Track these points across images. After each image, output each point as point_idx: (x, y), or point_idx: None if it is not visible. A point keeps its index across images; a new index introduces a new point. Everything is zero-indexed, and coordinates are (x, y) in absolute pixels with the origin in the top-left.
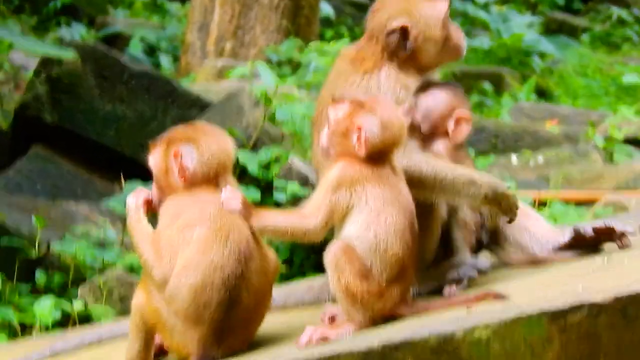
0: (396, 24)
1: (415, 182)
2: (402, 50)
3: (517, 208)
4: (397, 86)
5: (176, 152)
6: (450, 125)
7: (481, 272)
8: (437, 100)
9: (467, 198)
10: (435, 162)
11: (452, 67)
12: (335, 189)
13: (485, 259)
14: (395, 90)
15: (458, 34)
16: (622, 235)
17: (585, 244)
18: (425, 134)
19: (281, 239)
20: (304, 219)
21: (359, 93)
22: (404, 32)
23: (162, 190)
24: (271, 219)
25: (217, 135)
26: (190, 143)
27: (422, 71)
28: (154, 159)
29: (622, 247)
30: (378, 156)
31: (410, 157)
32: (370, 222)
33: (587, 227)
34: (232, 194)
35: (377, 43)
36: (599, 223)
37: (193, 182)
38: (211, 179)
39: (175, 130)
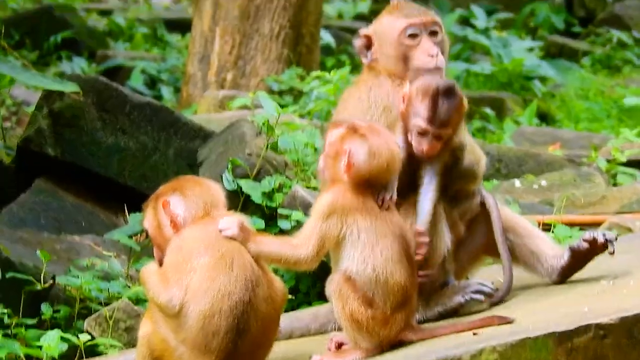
0: (362, 31)
1: None
2: (365, 58)
3: None
4: (379, 95)
5: (164, 202)
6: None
7: (486, 295)
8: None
9: None
10: None
11: None
12: (326, 218)
13: (489, 282)
14: (382, 99)
15: (423, 57)
16: (608, 241)
17: (584, 259)
18: None
19: (274, 265)
20: (296, 249)
21: (361, 118)
22: (367, 40)
23: (161, 247)
24: (266, 245)
25: (198, 181)
26: (176, 192)
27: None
28: (147, 219)
29: (613, 253)
30: (366, 185)
31: None
32: (367, 257)
33: (579, 241)
34: (229, 221)
35: None
36: (586, 234)
37: (185, 227)
38: (205, 216)
39: (160, 188)
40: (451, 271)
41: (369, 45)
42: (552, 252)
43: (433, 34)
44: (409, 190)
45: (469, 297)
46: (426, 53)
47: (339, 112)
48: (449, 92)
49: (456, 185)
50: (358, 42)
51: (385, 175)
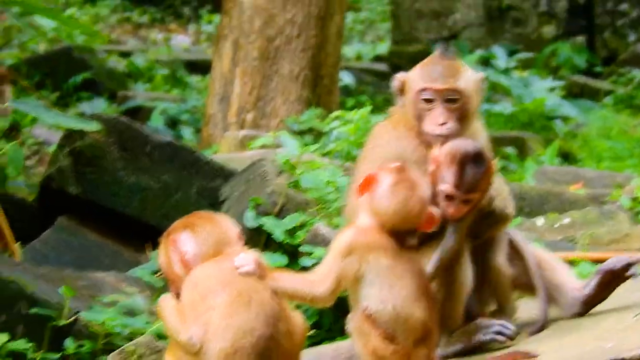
0: (399, 75)
1: None
2: (398, 101)
3: None
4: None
5: (172, 240)
6: None
7: (506, 336)
8: None
9: None
10: None
11: None
12: (345, 255)
13: (510, 323)
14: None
15: (431, 124)
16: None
17: (608, 287)
18: None
19: (292, 301)
20: (313, 286)
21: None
22: (402, 85)
23: (175, 283)
24: (283, 282)
25: (210, 217)
26: (186, 229)
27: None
28: (159, 257)
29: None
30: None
31: None
32: (385, 298)
33: (609, 263)
34: (245, 258)
35: None
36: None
37: (195, 264)
38: (216, 254)
39: (173, 224)
40: (474, 308)
41: (402, 90)
42: (574, 284)
43: (450, 101)
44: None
45: (490, 337)
46: (435, 121)
47: (367, 149)
48: (477, 158)
49: (488, 233)
50: (394, 84)
51: (408, 223)
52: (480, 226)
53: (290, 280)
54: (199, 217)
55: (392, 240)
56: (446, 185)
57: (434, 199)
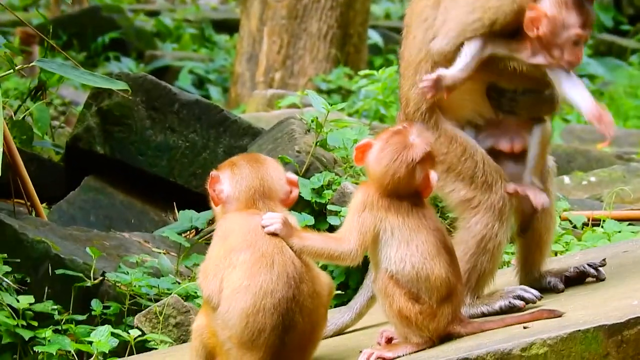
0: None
1: None
2: None
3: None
4: None
5: (213, 177)
6: None
7: (527, 300)
8: None
9: None
10: None
11: None
12: (361, 211)
13: (534, 290)
14: None
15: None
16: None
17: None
18: None
19: (319, 260)
20: (340, 243)
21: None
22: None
23: (215, 215)
24: (310, 240)
25: (258, 162)
26: (228, 167)
27: None
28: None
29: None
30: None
31: None
32: (404, 255)
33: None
34: (271, 216)
35: None
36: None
37: (230, 205)
38: (249, 203)
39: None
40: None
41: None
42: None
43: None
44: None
45: (509, 302)
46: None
47: None
48: None
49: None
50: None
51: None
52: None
53: (317, 240)
54: (247, 158)
55: (400, 199)
56: (574, 28)
57: (550, 55)
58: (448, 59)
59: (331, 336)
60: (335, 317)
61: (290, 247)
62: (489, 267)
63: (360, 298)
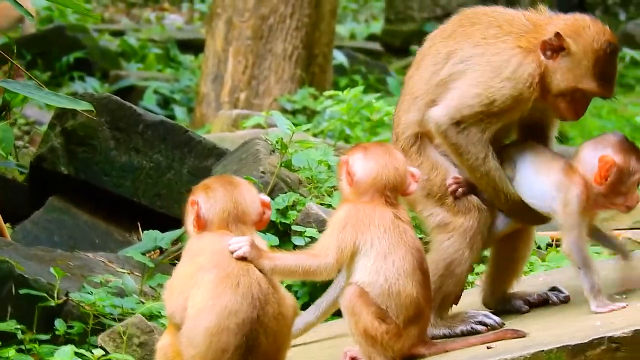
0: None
1: (461, 161)
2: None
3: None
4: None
5: (193, 202)
6: None
7: (488, 326)
8: None
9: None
10: (486, 162)
11: None
12: (342, 228)
13: (496, 317)
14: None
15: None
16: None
17: None
18: None
19: (292, 279)
20: (315, 258)
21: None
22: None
23: (188, 234)
24: (280, 260)
25: (231, 185)
26: (202, 190)
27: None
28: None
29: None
30: (374, 193)
31: (472, 141)
32: (379, 268)
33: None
34: (238, 241)
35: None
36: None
37: (205, 228)
38: (222, 225)
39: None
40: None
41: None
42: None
43: None
44: None
45: (471, 327)
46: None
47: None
48: (628, 140)
49: None
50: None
51: (391, 178)
52: None
53: (288, 258)
54: (221, 181)
55: (385, 212)
56: (637, 173)
57: (610, 201)
58: (444, 135)
59: (297, 336)
60: (301, 316)
61: (261, 269)
62: (454, 291)
63: (327, 297)
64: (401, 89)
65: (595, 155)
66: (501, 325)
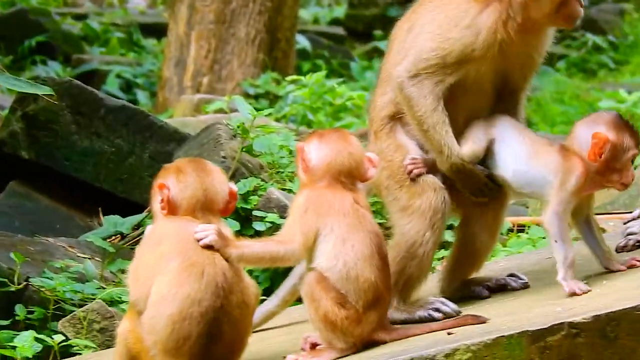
0: None
1: (412, 114)
2: None
3: (485, 190)
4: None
5: (162, 184)
6: None
7: (444, 313)
8: None
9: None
10: (434, 114)
11: None
12: (303, 213)
13: (453, 304)
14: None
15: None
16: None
17: None
18: None
19: (259, 266)
20: (282, 244)
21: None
22: None
23: (154, 216)
24: (247, 248)
25: (203, 170)
26: (173, 174)
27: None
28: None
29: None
30: (332, 179)
31: (424, 93)
32: (338, 252)
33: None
34: (205, 229)
35: None
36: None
37: (174, 212)
38: (188, 211)
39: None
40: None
41: None
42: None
43: None
44: None
45: (428, 313)
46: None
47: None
48: (621, 117)
49: None
50: None
51: (347, 163)
52: None
53: (254, 245)
54: (193, 166)
55: (343, 197)
56: (631, 150)
57: (606, 179)
58: (400, 88)
59: (258, 326)
60: (262, 304)
61: (227, 257)
62: (416, 273)
63: (287, 284)
64: (376, 77)
65: (589, 133)
66: (457, 312)
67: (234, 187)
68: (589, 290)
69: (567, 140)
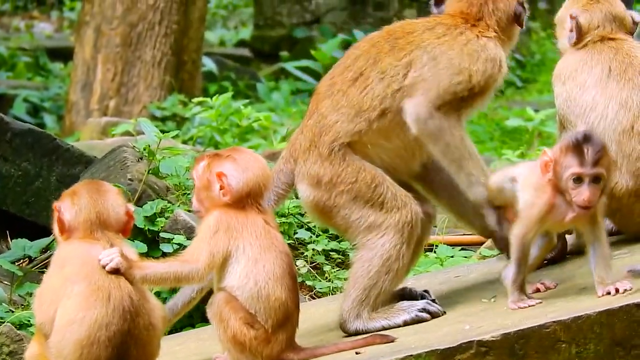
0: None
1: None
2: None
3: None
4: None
5: (55, 208)
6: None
7: (431, 313)
8: None
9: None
10: (465, 142)
11: None
12: (214, 234)
13: (439, 305)
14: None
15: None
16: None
17: None
18: None
19: (164, 286)
20: (186, 264)
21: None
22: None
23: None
24: (151, 268)
25: (98, 191)
26: (68, 198)
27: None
28: None
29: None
30: (247, 201)
31: (452, 123)
32: (249, 272)
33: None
34: (108, 253)
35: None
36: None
37: (70, 234)
38: (87, 233)
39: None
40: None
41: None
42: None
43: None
44: None
45: (415, 315)
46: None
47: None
48: (588, 137)
49: None
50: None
51: (264, 185)
52: None
53: (158, 266)
54: (88, 188)
55: (255, 216)
56: (571, 167)
57: (565, 198)
58: (423, 121)
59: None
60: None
61: (132, 279)
62: (389, 286)
63: (181, 297)
64: (317, 97)
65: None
66: (443, 313)
67: (131, 207)
68: (539, 302)
69: None
